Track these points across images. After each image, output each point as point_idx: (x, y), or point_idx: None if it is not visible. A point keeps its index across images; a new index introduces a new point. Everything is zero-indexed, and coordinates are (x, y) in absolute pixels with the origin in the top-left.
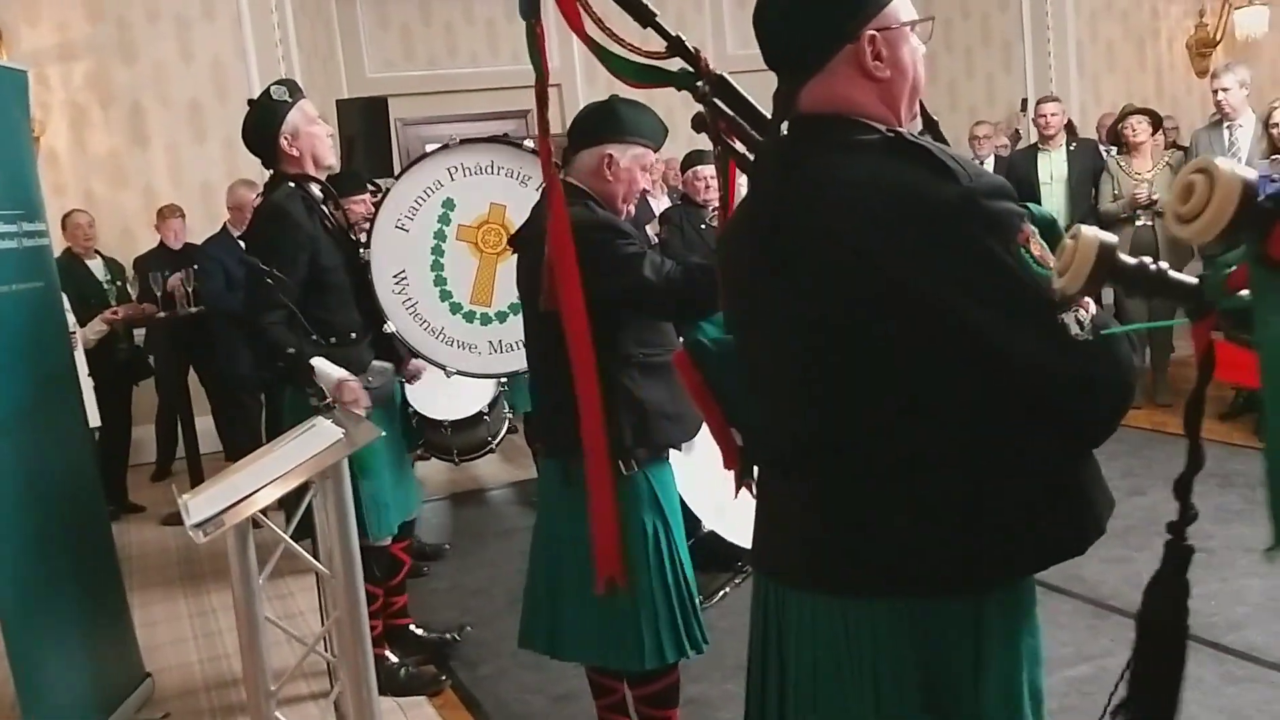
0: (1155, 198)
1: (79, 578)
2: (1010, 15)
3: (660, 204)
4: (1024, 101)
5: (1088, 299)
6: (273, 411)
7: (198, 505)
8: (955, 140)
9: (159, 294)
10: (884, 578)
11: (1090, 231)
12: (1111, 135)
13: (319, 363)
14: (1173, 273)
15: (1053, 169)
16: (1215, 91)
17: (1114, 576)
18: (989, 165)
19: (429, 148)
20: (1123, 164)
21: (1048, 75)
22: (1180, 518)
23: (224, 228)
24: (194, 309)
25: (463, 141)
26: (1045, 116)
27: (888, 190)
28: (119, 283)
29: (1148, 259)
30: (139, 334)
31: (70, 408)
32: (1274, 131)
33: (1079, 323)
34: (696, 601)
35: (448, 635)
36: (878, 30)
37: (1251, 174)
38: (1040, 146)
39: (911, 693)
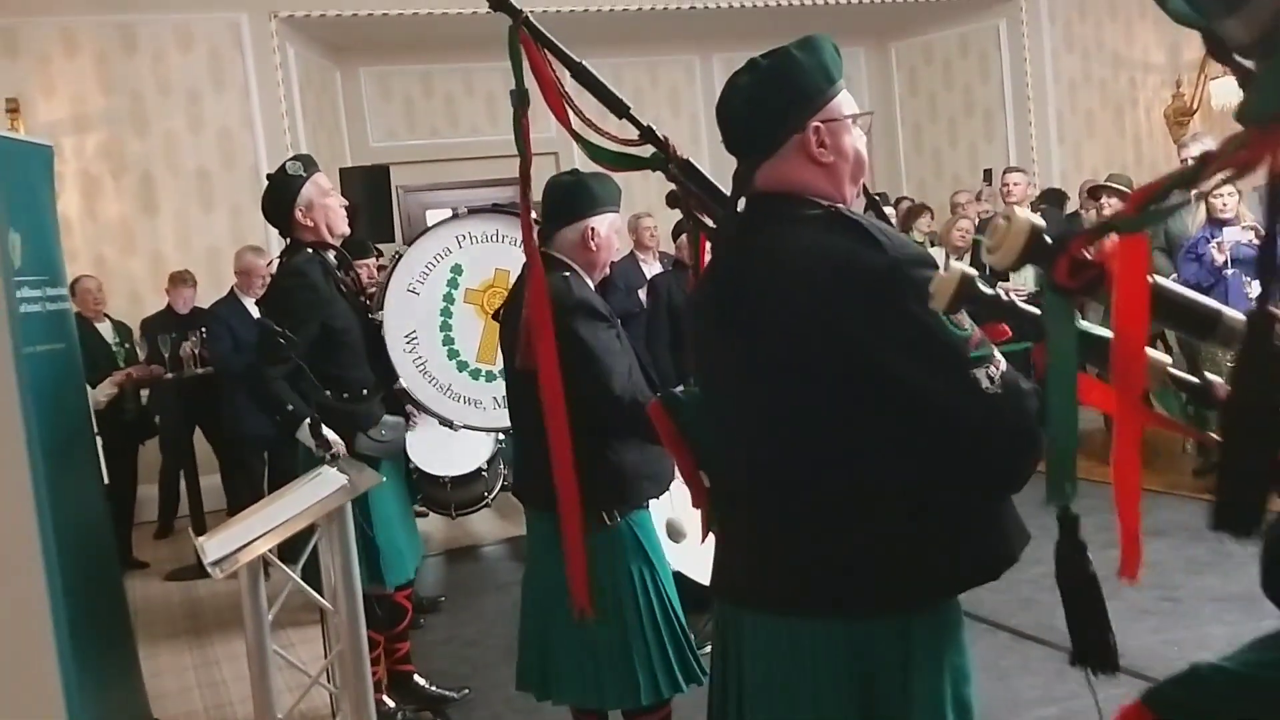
0: None
1: (93, 626)
2: (991, 86)
3: (651, 268)
4: (987, 172)
5: (1000, 358)
6: (275, 469)
7: (213, 546)
8: (938, 206)
9: (166, 356)
10: (822, 599)
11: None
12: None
13: (303, 433)
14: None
15: None
16: (1184, 161)
17: None
18: (969, 228)
19: (429, 214)
20: None
21: (1029, 144)
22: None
23: (231, 291)
24: (201, 370)
25: (470, 211)
26: (1009, 186)
27: (827, 258)
28: (127, 345)
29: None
30: (144, 394)
31: (88, 464)
32: (1215, 201)
33: (989, 377)
34: (690, 637)
35: (450, 693)
36: (822, 122)
37: (1040, 221)
38: None
39: (849, 705)
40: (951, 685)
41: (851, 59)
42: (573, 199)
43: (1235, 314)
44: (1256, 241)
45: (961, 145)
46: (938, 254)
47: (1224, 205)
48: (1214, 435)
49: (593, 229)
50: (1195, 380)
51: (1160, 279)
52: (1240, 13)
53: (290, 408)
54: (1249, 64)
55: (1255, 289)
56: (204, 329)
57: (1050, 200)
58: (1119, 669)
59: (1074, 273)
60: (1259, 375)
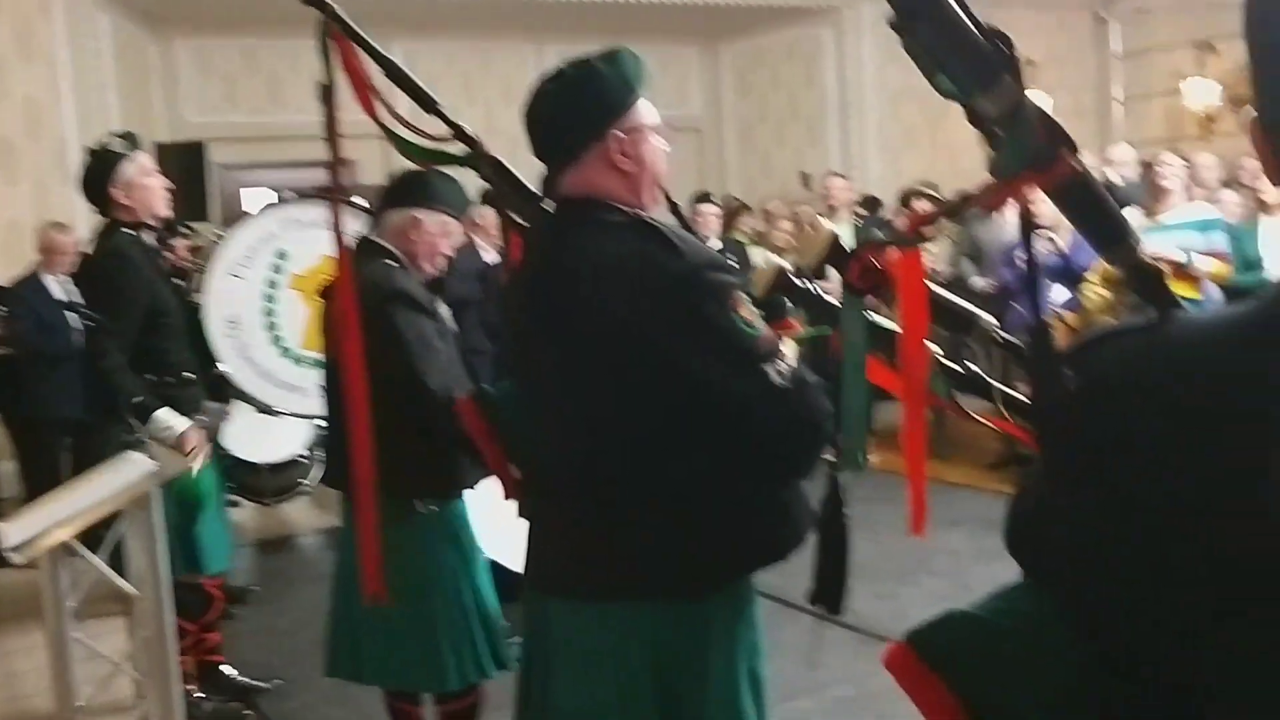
0: (934, 267)
1: None
2: (816, 91)
3: (490, 256)
4: (804, 175)
5: (788, 356)
6: (81, 453)
7: (13, 531)
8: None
9: None
10: (626, 584)
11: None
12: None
13: (163, 413)
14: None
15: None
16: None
17: (882, 611)
18: (790, 229)
19: (244, 192)
20: None
21: (850, 149)
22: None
23: (34, 270)
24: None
25: (299, 196)
26: (830, 190)
27: (628, 264)
28: None
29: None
30: None
31: None
32: (1031, 209)
33: (780, 373)
34: (498, 625)
35: (260, 683)
36: (622, 131)
37: (840, 230)
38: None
39: (649, 683)
40: (746, 659)
41: (682, 59)
42: (407, 187)
43: (988, 316)
44: (1053, 250)
45: (789, 147)
46: (758, 253)
47: (1039, 214)
48: (972, 413)
49: (416, 220)
50: (958, 368)
51: (932, 285)
52: (990, 93)
53: (138, 400)
54: (999, 132)
55: (1055, 293)
56: (4, 307)
57: (865, 206)
58: (841, 612)
59: (864, 276)
60: (1047, 371)
